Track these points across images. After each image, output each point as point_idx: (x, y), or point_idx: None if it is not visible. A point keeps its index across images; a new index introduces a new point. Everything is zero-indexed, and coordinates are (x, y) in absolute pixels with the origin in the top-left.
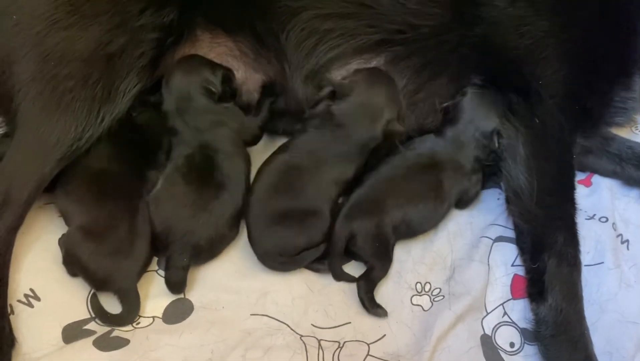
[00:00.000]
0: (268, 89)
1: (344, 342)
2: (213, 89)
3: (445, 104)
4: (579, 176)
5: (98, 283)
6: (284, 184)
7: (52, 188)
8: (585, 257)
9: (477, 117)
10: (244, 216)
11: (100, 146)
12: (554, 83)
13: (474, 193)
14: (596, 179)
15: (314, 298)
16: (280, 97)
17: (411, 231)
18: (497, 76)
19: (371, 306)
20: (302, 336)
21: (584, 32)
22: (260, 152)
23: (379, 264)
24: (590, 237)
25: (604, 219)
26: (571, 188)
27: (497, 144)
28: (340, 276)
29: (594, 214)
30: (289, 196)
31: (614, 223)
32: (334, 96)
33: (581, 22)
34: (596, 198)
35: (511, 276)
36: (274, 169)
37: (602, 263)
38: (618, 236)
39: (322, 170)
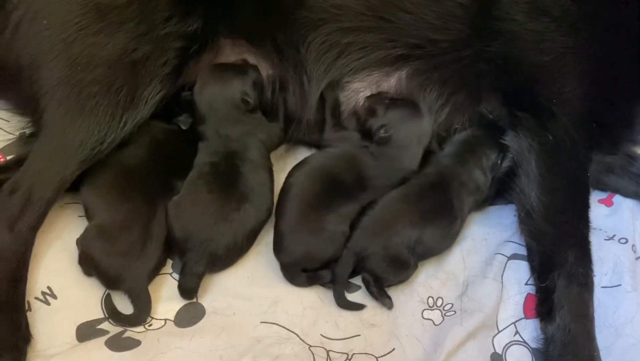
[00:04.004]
0: (277, 86)
1: (353, 354)
2: (249, 100)
3: (456, 126)
4: (600, 195)
5: (109, 281)
6: (326, 197)
7: (74, 188)
8: (602, 279)
9: (479, 141)
10: (275, 223)
11: (137, 145)
12: (571, 100)
13: (484, 200)
14: (617, 199)
15: (325, 308)
16: (293, 98)
17: (428, 251)
18: (514, 92)
19: (380, 295)
20: (310, 346)
21: (606, 49)
22: (279, 160)
23: (391, 277)
24: (609, 258)
25: (623, 241)
26: (585, 207)
27: (496, 171)
28: (345, 304)
29: (614, 235)
30: (328, 210)
31: (633, 245)
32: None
33: (603, 39)
34: (617, 218)
35: (524, 295)
36: (316, 179)
37: (620, 285)
38: (638, 258)
39: (365, 194)
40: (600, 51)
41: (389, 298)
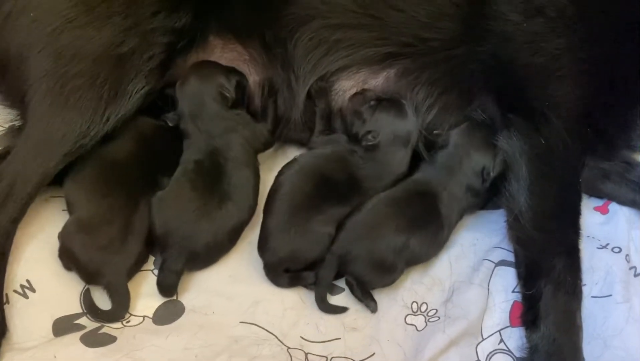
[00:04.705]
0: (267, 89)
1: (332, 357)
2: (227, 95)
3: (437, 132)
4: (596, 203)
5: (88, 275)
6: (317, 198)
7: (59, 182)
8: (593, 288)
9: (468, 150)
10: (263, 221)
11: (124, 139)
12: (565, 103)
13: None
14: (614, 207)
15: (306, 310)
16: (280, 96)
17: (414, 258)
18: (506, 93)
19: (364, 297)
20: (289, 348)
21: (603, 52)
22: (268, 159)
23: (374, 281)
24: (600, 267)
25: (617, 250)
26: (575, 213)
27: (486, 182)
28: (326, 308)
29: (607, 244)
30: (318, 211)
31: (627, 255)
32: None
33: (600, 41)
34: (612, 226)
35: (511, 302)
36: (309, 179)
37: (610, 295)
38: (631, 268)
39: (358, 197)
40: (596, 54)
41: (374, 301)
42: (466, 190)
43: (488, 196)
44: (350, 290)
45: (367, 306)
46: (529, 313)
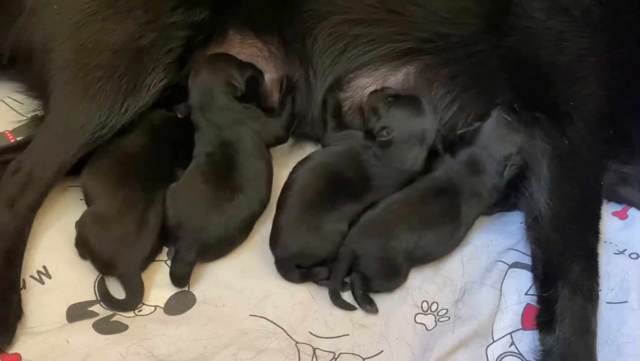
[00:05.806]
0: (286, 85)
1: (340, 353)
2: (236, 84)
3: (464, 130)
4: (615, 208)
5: (103, 266)
6: (329, 195)
7: (77, 171)
8: (608, 294)
9: (493, 145)
10: (275, 217)
11: (139, 133)
12: (588, 104)
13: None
14: (633, 212)
15: (316, 306)
16: (299, 95)
17: (427, 255)
18: (528, 92)
19: (363, 300)
20: (297, 342)
21: (628, 53)
22: (284, 155)
23: (380, 282)
24: (616, 273)
25: (634, 256)
26: (595, 217)
27: (510, 172)
28: (339, 303)
29: (625, 249)
30: (330, 208)
31: None
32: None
33: (627, 42)
34: (629, 232)
35: (524, 305)
36: (321, 175)
37: (626, 302)
38: None
39: (369, 194)
40: (622, 55)
41: (372, 303)
42: (491, 189)
43: (504, 197)
44: (352, 290)
45: (364, 309)
46: (544, 315)
